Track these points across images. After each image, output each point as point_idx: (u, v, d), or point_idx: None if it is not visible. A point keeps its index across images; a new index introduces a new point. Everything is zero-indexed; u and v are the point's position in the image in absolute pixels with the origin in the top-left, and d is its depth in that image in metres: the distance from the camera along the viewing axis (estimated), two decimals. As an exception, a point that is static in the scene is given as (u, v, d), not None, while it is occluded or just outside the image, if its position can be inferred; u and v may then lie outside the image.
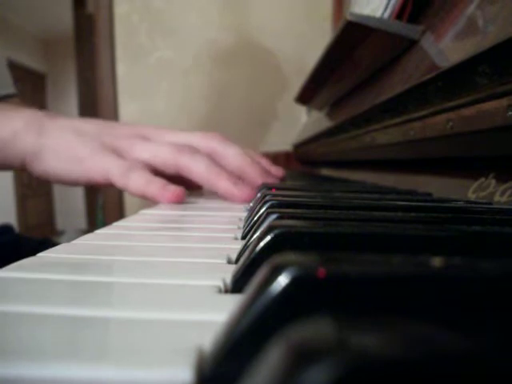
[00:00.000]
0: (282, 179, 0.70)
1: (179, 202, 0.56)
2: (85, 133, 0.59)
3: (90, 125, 0.61)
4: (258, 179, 0.63)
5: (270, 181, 0.65)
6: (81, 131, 0.59)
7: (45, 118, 0.60)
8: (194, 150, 0.60)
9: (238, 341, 0.13)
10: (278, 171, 0.71)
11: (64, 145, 0.58)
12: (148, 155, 0.59)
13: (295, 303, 0.13)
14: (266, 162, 0.71)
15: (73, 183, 0.60)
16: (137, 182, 0.55)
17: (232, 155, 0.63)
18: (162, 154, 0.59)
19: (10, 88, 0.97)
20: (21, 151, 0.58)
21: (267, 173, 0.66)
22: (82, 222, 4.44)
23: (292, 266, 0.14)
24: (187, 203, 0.57)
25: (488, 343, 0.09)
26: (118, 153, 0.58)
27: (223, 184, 0.58)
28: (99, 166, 0.56)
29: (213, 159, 0.61)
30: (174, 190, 0.55)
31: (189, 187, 0.65)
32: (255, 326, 0.13)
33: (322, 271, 0.14)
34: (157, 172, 0.59)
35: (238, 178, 0.61)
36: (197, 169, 0.58)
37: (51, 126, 0.59)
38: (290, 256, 0.15)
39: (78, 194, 4.80)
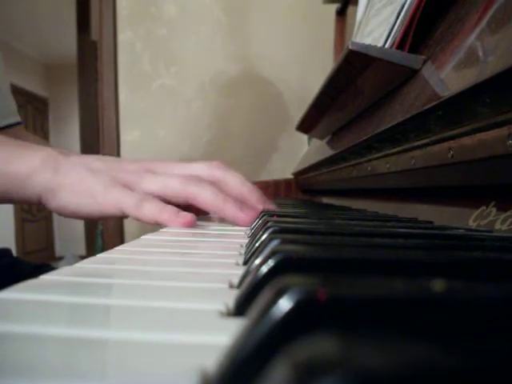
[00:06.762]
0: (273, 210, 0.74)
1: (190, 226, 0.60)
2: (96, 169, 0.64)
3: (100, 162, 0.66)
4: (259, 205, 0.68)
5: (268, 208, 0.69)
6: (92, 168, 0.64)
7: (59, 155, 0.64)
8: (200, 180, 0.65)
9: (243, 361, 0.13)
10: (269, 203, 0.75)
11: (78, 181, 0.62)
12: (158, 187, 0.64)
13: (298, 325, 0.13)
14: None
15: (87, 217, 0.65)
16: (151, 210, 0.60)
17: (233, 182, 0.68)
18: (172, 184, 0.64)
19: (15, 117, 0.99)
20: (38, 187, 0.63)
21: (265, 200, 0.70)
22: (81, 247, 4.42)
23: (295, 289, 0.14)
24: (188, 230, 0.58)
25: (486, 364, 0.09)
26: (128, 187, 0.63)
27: (230, 210, 0.63)
28: (113, 200, 0.61)
29: (217, 186, 0.65)
30: (186, 216, 0.60)
31: (196, 213, 0.67)
32: (260, 347, 0.13)
33: (324, 294, 0.14)
34: (166, 202, 0.63)
35: (241, 203, 0.65)
36: (204, 197, 0.63)
37: (65, 164, 0.63)
38: (293, 279, 0.15)
39: (78, 220, 4.78)
